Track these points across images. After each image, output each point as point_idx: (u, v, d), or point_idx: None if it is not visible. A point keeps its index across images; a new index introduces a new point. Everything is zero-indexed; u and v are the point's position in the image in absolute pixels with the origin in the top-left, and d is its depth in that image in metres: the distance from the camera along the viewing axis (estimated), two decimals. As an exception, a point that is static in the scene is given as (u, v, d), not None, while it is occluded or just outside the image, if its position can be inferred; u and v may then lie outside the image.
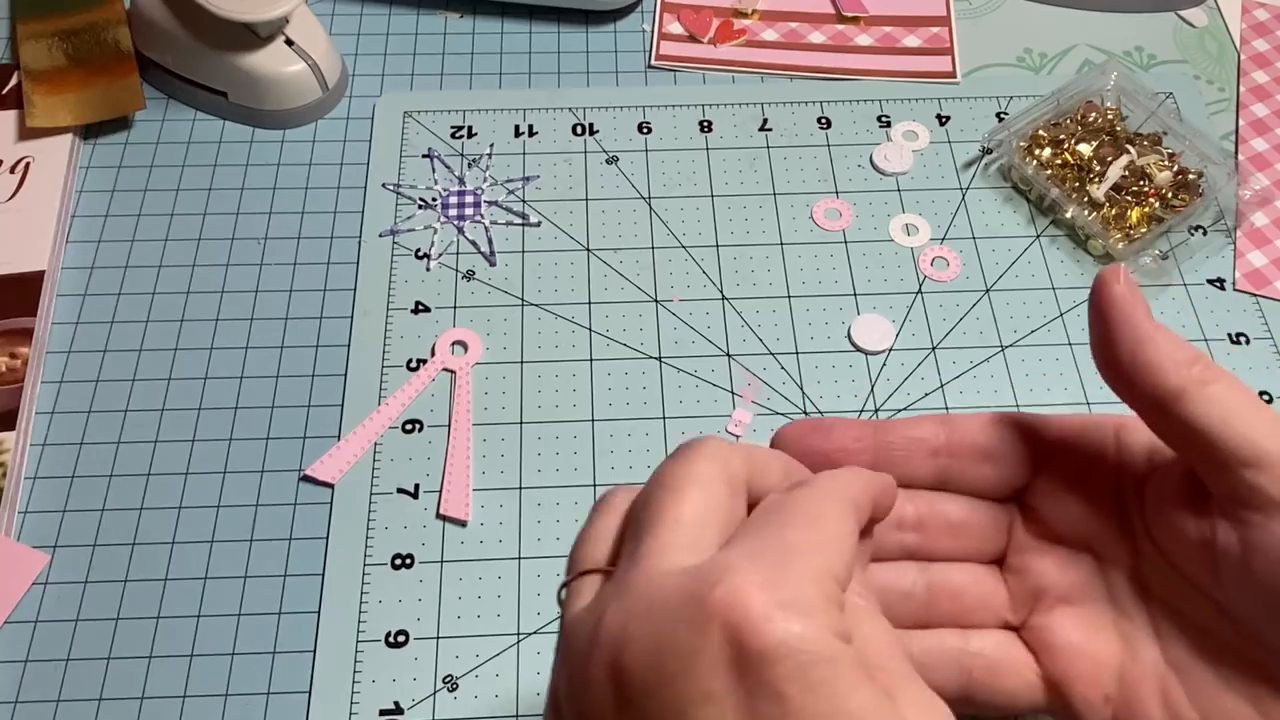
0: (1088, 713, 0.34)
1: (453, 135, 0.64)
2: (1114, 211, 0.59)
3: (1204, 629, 0.33)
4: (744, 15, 0.70)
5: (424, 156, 0.63)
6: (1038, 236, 0.61)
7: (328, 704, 0.46)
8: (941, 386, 0.55)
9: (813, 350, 0.56)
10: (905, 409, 0.55)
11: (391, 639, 0.48)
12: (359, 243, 0.60)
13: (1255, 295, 0.58)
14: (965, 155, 0.64)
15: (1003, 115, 0.66)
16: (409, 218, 0.61)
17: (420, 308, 0.58)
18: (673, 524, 0.28)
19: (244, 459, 0.53)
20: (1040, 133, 0.62)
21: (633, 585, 0.27)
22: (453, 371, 0.55)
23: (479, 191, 0.62)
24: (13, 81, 0.65)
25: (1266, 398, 0.55)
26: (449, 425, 0.54)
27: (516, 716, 0.47)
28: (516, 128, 0.65)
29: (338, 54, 0.66)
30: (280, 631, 0.48)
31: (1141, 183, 0.60)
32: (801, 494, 0.30)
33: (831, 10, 0.70)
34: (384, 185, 0.62)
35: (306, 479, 0.52)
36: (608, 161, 0.63)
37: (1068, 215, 0.60)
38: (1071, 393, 0.55)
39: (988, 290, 0.59)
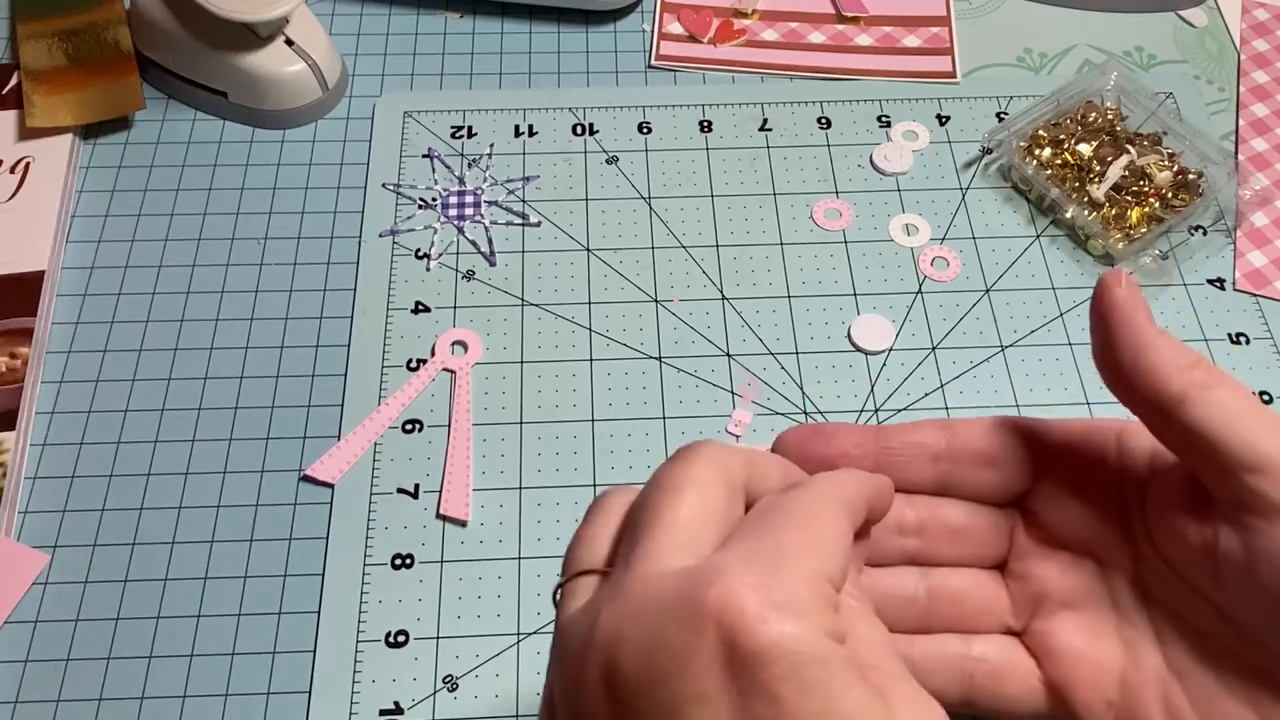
0: (1090, 718, 0.34)
1: (453, 135, 0.64)
2: (1114, 211, 0.59)
3: (1206, 634, 0.33)
4: (744, 15, 0.70)
5: (424, 156, 0.63)
6: (1038, 236, 0.61)
7: (328, 704, 0.46)
8: (941, 387, 0.55)
9: (813, 350, 0.56)
10: (905, 409, 0.55)
11: (391, 639, 0.48)
12: (359, 243, 0.60)
13: (1255, 295, 0.59)
14: (965, 155, 0.64)
15: (1003, 115, 0.66)
16: (409, 218, 0.61)
17: (420, 308, 0.58)
18: (669, 526, 0.28)
19: (244, 459, 0.53)
20: (1040, 133, 0.62)
21: (628, 586, 0.27)
22: (453, 371, 0.55)
23: (479, 191, 0.62)
24: (13, 81, 0.65)
25: (1266, 398, 0.55)
26: (449, 425, 0.54)
27: (516, 716, 0.47)
28: (516, 128, 0.65)
29: (338, 54, 0.66)
30: (280, 631, 0.48)
31: (1141, 183, 0.60)
32: (796, 495, 0.30)
33: (831, 10, 0.70)
34: (384, 185, 0.62)
35: (306, 479, 0.52)
36: (608, 161, 0.63)
37: (1068, 215, 0.60)
38: (1071, 393, 0.55)
39: (988, 290, 0.59)
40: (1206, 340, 0.57)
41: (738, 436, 0.54)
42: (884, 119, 0.65)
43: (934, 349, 0.57)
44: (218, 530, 0.51)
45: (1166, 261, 0.59)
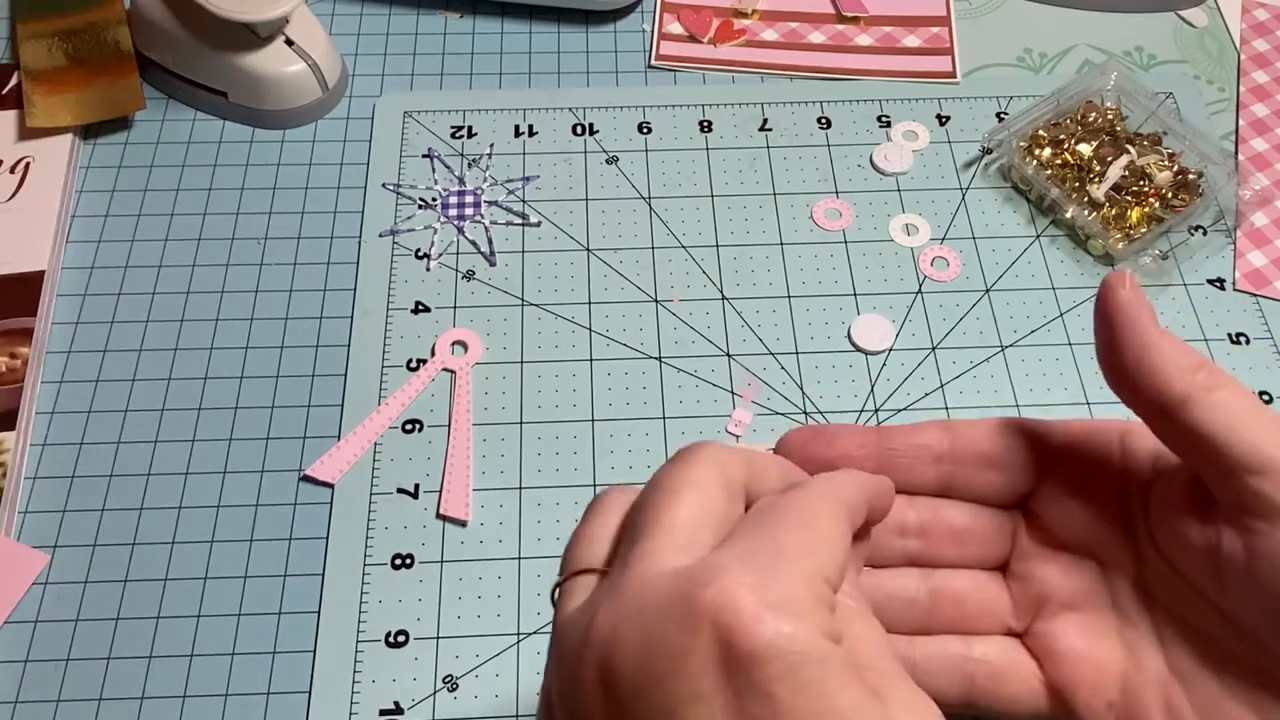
0: (1091, 719, 0.34)
1: (453, 135, 0.64)
2: (1114, 211, 0.59)
3: (1208, 636, 0.33)
4: (744, 15, 0.70)
5: (424, 156, 0.63)
6: (1038, 236, 0.61)
7: (328, 704, 0.46)
8: (941, 387, 0.55)
9: (813, 350, 0.56)
10: (905, 409, 0.55)
11: (391, 639, 0.48)
12: (359, 243, 0.60)
13: (1255, 295, 0.59)
14: (965, 155, 0.64)
15: (1003, 115, 0.66)
16: (409, 218, 0.61)
17: (420, 308, 0.58)
18: (668, 526, 0.28)
19: (244, 459, 0.53)
20: (1040, 133, 0.62)
21: (625, 586, 0.27)
22: (453, 371, 0.55)
23: (479, 191, 0.62)
24: (13, 81, 0.65)
25: (1266, 398, 0.55)
26: (449, 425, 0.54)
27: (516, 716, 0.47)
28: (516, 128, 0.65)
29: (338, 54, 0.66)
30: (280, 631, 0.48)
31: (1141, 183, 0.60)
32: (795, 496, 0.30)
33: (831, 10, 0.70)
34: (384, 185, 0.62)
35: (306, 479, 0.52)
36: (608, 161, 0.63)
37: (1068, 215, 0.60)
38: (1072, 393, 0.55)
39: (988, 290, 0.59)
40: (1206, 340, 0.57)
41: (738, 437, 0.54)
42: (884, 119, 0.65)
43: (934, 349, 0.57)
44: (218, 530, 0.51)
45: (1166, 261, 0.59)
